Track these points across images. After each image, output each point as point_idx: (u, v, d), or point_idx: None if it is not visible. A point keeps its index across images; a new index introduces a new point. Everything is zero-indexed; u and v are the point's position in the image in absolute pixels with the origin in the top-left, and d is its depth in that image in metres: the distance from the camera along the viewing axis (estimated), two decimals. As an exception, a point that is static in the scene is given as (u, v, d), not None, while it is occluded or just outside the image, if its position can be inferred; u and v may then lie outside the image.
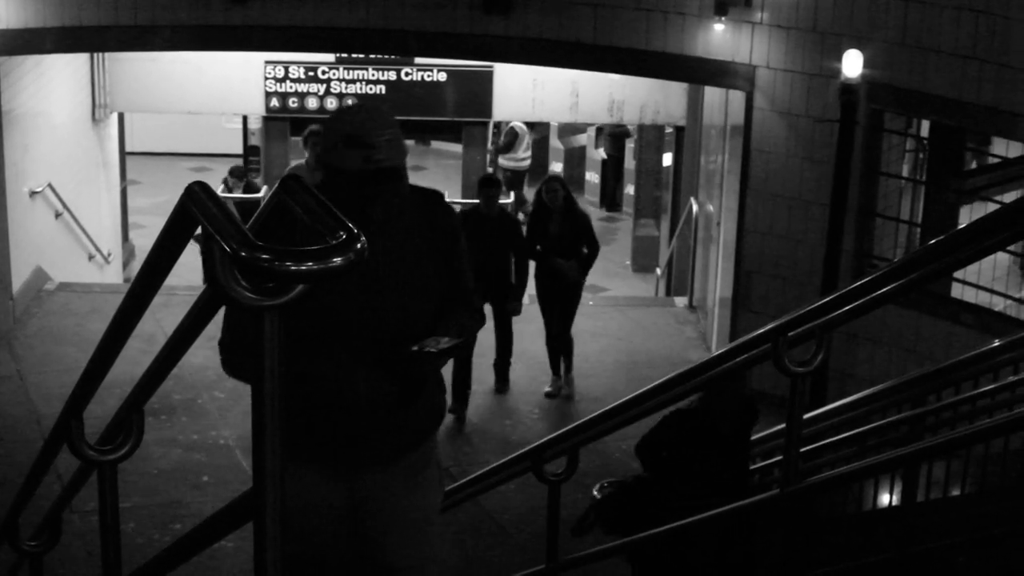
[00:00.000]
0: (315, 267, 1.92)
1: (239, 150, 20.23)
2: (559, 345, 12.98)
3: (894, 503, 7.89)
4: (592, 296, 17.30)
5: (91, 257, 17.21)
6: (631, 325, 15.04)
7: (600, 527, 6.80)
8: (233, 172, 17.67)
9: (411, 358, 4.19)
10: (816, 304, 4.60)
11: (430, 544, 4.68)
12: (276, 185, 2.21)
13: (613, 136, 22.73)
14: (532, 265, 12.65)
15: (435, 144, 24.14)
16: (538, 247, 12.53)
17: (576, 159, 23.71)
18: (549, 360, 13.05)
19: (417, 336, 4.23)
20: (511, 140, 21.58)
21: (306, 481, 4.37)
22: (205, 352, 12.52)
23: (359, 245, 1.95)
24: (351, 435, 4.36)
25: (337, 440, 4.37)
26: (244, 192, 17.14)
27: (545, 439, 6.26)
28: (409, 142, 21.56)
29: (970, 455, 7.54)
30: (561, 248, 12.52)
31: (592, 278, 19.54)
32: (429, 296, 4.41)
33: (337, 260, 1.93)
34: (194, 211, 2.16)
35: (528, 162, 21.95)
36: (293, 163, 15.18)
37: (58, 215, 16.03)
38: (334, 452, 4.40)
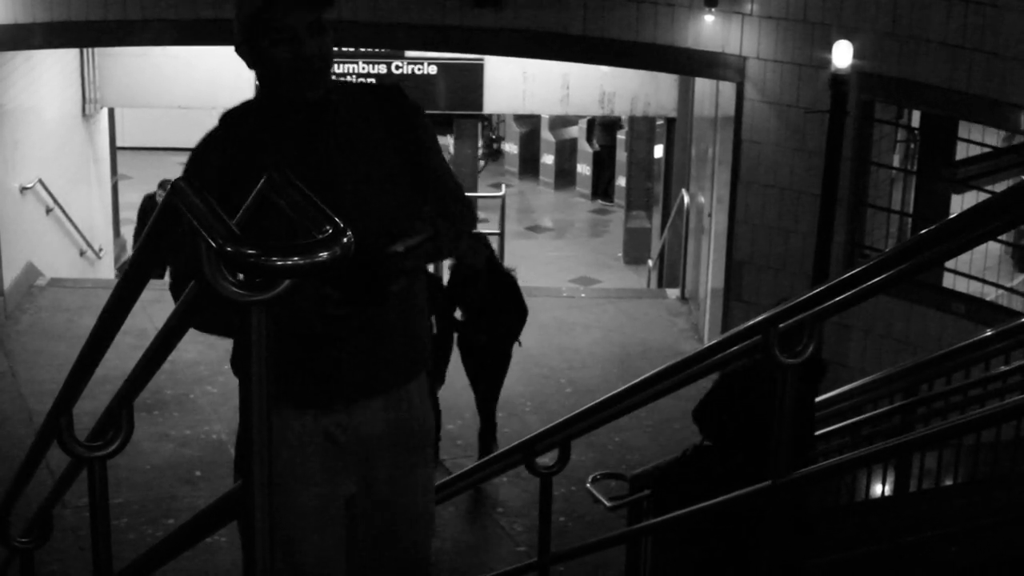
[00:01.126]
0: (301, 262, 1.92)
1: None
2: (482, 423, 11.36)
3: (887, 493, 7.89)
4: (584, 288, 17.31)
5: (82, 253, 17.19)
6: (623, 317, 15.04)
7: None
8: (164, 187, 17.27)
9: (372, 259, 3.65)
10: (807, 295, 4.60)
11: (425, 497, 4.31)
12: (261, 183, 2.20)
13: (604, 126, 22.73)
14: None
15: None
16: (456, 314, 11.00)
17: (567, 151, 23.70)
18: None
19: (384, 237, 3.70)
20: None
21: (296, 424, 3.94)
22: (197, 347, 12.62)
23: (345, 239, 1.94)
24: (323, 366, 3.91)
25: (311, 373, 3.91)
26: None
27: (537, 432, 6.25)
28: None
29: (962, 445, 7.55)
30: (483, 314, 10.94)
31: (584, 270, 19.59)
32: (394, 195, 3.96)
33: (323, 254, 1.92)
34: (180, 206, 2.15)
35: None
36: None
37: (49, 211, 16.00)
38: (310, 387, 3.93)
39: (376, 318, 3.85)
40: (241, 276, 1.99)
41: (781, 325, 4.62)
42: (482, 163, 21.84)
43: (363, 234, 3.05)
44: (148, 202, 16.12)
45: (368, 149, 3.98)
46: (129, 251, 16.20)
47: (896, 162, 13.16)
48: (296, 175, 2.27)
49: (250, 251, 1.91)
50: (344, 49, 16.77)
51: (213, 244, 1.94)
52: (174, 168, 20.86)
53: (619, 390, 5.72)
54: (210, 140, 4.10)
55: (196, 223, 2.03)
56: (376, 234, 3.66)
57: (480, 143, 20.68)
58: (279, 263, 1.93)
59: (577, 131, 23.52)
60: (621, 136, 21.95)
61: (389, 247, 3.67)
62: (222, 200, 2.21)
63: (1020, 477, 7.23)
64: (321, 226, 1.96)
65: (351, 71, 17.10)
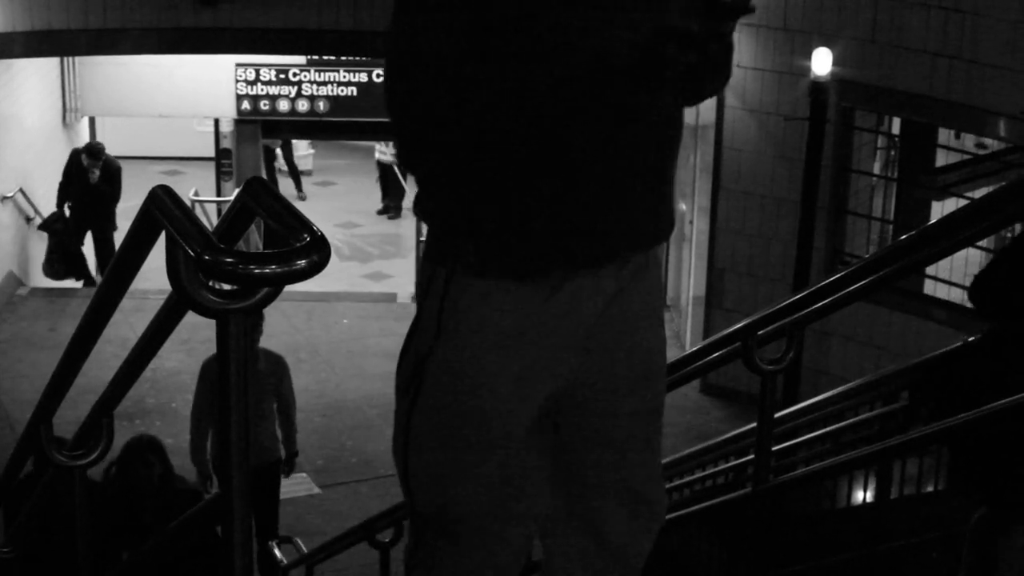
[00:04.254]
0: (279, 270, 1.92)
1: (211, 153, 20.16)
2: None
3: (868, 500, 7.90)
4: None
5: (63, 261, 17.15)
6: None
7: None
8: (90, 151, 15.94)
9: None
10: (786, 302, 4.61)
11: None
12: (240, 189, 2.21)
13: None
14: None
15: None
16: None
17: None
18: None
19: None
20: None
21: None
22: (178, 356, 12.61)
23: (324, 248, 1.95)
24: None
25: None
26: (102, 172, 15.66)
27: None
28: (383, 144, 21.48)
29: (942, 451, 7.56)
30: None
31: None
32: None
33: (301, 263, 1.92)
34: (157, 215, 2.15)
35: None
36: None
37: (29, 220, 15.96)
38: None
39: None
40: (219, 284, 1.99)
41: (760, 332, 4.64)
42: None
43: None
44: (74, 156, 16.05)
45: None
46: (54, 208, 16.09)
47: (876, 169, 13.19)
48: None
49: (228, 259, 1.91)
50: (326, 57, 16.78)
51: (191, 252, 1.94)
52: (155, 177, 20.83)
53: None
54: None
55: (173, 231, 2.03)
56: None
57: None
58: (256, 271, 1.93)
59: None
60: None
61: None
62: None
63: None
64: (299, 234, 1.96)
65: (332, 79, 17.09)
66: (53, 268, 15.73)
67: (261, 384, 8.83)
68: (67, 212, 15.92)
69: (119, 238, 16.83)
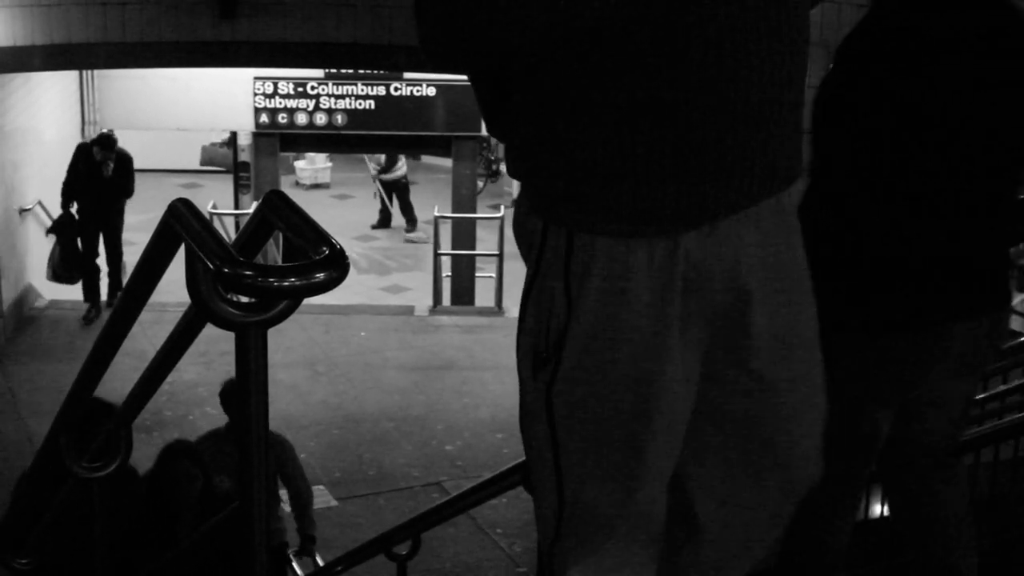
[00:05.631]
0: (298, 283, 1.93)
1: (229, 166, 20.31)
2: None
3: (885, 513, 7.88)
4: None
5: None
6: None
7: None
8: (103, 142, 14.97)
9: None
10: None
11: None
12: (260, 202, 2.22)
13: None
14: None
15: (425, 159, 24.16)
16: None
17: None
18: None
19: None
20: (393, 161, 21.56)
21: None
22: (197, 368, 12.63)
23: (342, 261, 1.96)
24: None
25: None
26: (116, 163, 14.77)
27: (536, 452, 6.24)
28: (402, 157, 21.61)
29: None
30: None
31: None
32: None
33: (320, 276, 1.93)
34: (177, 228, 2.16)
35: (403, 169, 21.87)
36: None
37: (48, 232, 16.02)
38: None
39: None
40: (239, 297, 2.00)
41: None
42: (481, 184, 21.86)
43: None
44: (82, 151, 15.01)
45: None
46: (60, 211, 15.17)
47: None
48: None
49: (247, 272, 1.92)
50: (343, 71, 16.82)
51: (211, 266, 1.95)
52: (174, 190, 20.90)
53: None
54: None
55: (193, 244, 2.04)
56: None
57: (480, 165, 20.72)
58: (276, 284, 1.94)
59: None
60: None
61: None
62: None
63: (1020, 497, 7.23)
64: (318, 247, 1.97)
65: (350, 92, 17.13)
66: (65, 271, 15.07)
67: None
68: (74, 213, 15.02)
69: (125, 242, 16.87)
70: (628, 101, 2.26)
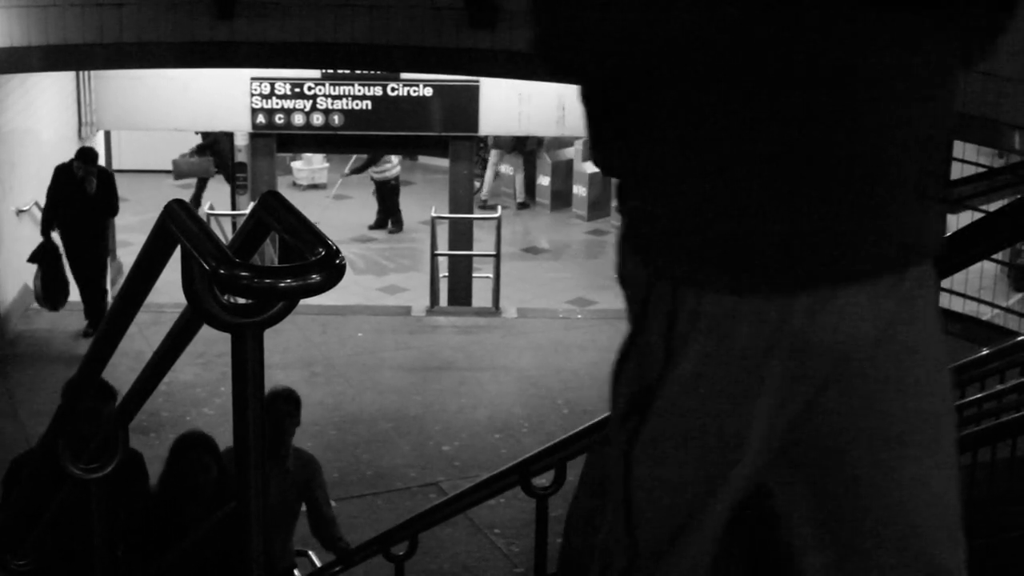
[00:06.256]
0: (294, 284, 1.93)
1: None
2: None
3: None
4: (581, 309, 17.32)
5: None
6: (620, 338, 14.98)
7: None
8: (84, 156, 14.20)
9: None
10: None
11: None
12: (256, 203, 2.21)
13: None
14: None
15: (422, 159, 24.16)
16: None
17: (563, 172, 23.71)
18: None
19: None
20: (372, 160, 21.56)
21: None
22: (194, 369, 12.62)
23: (338, 262, 1.95)
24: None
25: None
26: (98, 180, 14.03)
27: (532, 453, 6.25)
28: (395, 157, 21.61)
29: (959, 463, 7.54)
30: None
31: (581, 291, 19.61)
32: None
33: (316, 277, 1.93)
34: (173, 229, 2.16)
35: (394, 170, 21.89)
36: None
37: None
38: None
39: None
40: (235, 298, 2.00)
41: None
42: (478, 184, 21.86)
43: None
44: (62, 171, 14.10)
45: None
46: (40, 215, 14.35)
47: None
48: None
49: (243, 273, 1.92)
50: (340, 71, 16.81)
51: (207, 267, 1.95)
52: (171, 190, 20.91)
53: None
54: None
55: (189, 246, 2.04)
56: None
57: (476, 166, 20.72)
58: (271, 285, 1.94)
59: (573, 152, 23.54)
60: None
61: None
62: None
63: (1018, 496, 7.23)
64: (314, 248, 1.97)
65: (347, 92, 17.12)
66: (48, 299, 14.40)
67: (286, 491, 7.76)
68: (55, 238, 14.28)
69: (123, 243, 16.89)
70: (750, 148, 2.10)
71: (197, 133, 21.02)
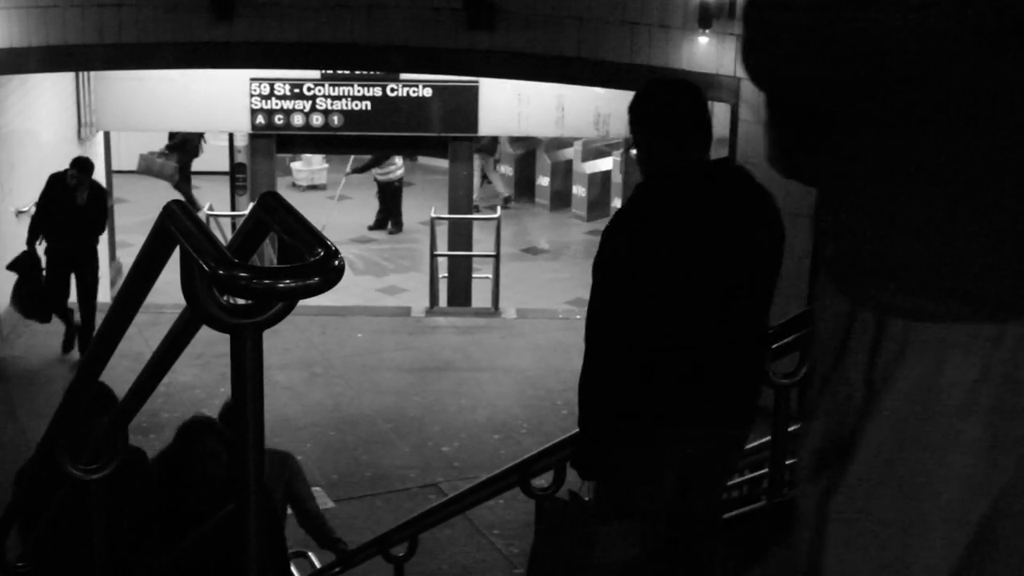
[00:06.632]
0: (293, 285, 1.93)
1: (225, 167, 20.25)
2: None
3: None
4: (580, 310, 17.32)
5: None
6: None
7: None
8: (81, 164, 13.53)
9: None
10: (799, 314, 4.61)
11: None
12: (255, 204, 2.21)
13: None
14: None
15: (421, 160, 24.17)
16: None
17: (563, 172, 23.73)
18: None
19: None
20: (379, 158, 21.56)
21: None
22: (193, 370, 12.62)
23: (336, 262, 1.96)
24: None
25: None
26: (90, 192, 13.43)
27: (531, 454, 6.25)
28: (399, 159, 21.63)
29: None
30: None
31: (580, 291, 19.61)
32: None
33: (315, 277, 1.93)
34: (172, 229, 2.16)
35: (398, 172, 21.91)
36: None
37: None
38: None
39: None
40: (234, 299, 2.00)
41: (774, 345, 4.64)
42: (478, 184, 21.87)
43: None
44: (55, 180, 13.55)
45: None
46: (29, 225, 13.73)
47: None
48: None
49: (242, 274, 1.92)
50: (340, 72, 16.82)
51: (206, 268, 1.95)
52: (170, 191, 20.91)
53: (613, 411, 5.71)
54: None
55: (188, 246, 2.04)
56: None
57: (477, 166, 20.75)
58: (270, 286, 1.94)
59: (572, 152, 23.55)
60: (616, 158, 22.00)
61: None
62: None
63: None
64: (313, 248, 1.97)
65: (347, 93, 17.12)
66: (34, 310, 13.81)
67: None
68: (39, 252, 13.78)
69: (121, 244, 16.86)
70: (964, 168, 1.98)
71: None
